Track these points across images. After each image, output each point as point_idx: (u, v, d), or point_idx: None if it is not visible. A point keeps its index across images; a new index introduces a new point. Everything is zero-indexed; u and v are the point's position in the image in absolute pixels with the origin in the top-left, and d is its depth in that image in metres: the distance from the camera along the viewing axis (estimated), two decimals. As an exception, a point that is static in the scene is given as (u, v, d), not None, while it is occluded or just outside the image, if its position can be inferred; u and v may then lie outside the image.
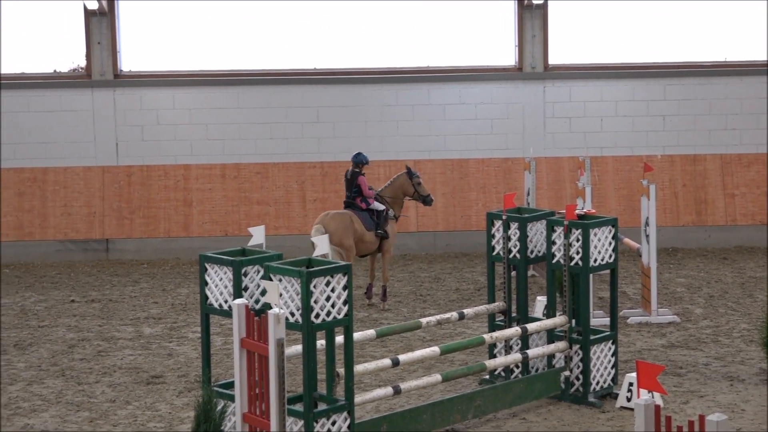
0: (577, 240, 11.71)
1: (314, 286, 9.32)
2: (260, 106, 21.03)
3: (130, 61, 21.10)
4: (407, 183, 16.99)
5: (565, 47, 21.34)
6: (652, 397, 8.28)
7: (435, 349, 11.16)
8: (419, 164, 20.83)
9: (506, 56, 21.39)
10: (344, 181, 16.91)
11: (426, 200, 17.02)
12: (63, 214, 20.73)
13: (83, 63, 21.10)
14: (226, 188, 20.91)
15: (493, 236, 12.37)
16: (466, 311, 11.92)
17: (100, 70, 20.87)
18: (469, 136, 21.18)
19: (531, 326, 11.92)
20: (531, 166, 18.73)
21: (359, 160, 16.76)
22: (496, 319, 12.44)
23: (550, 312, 12.11)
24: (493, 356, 12.40)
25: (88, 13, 20.73)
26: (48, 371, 13.50)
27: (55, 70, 21.22)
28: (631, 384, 11.60)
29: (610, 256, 11.94)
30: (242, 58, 21.18)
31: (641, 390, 8.07)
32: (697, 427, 7.19)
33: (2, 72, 20.93)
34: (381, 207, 16.77)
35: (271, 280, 9.47)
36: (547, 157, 21.01)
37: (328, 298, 9.44)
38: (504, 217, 12.20)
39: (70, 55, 21.21)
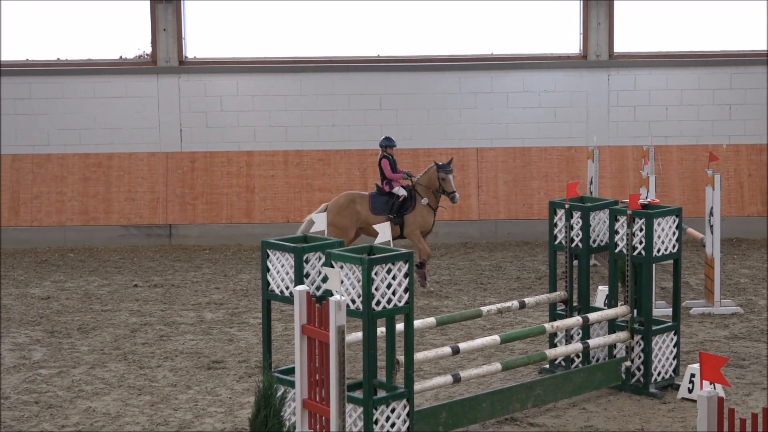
0: (641, 230, 11.62)
1: (375, 274, 9.32)
2: (323, 93, 21.06)
3: (194, 48, 21.22)
4: (434, 176, 16.77)
5: (630, 35, 21.16)
6: (714, 389, 8.19)
7: (495, 338, 11.14)
8: (481, 152, 20.78)
9: (570, 44, 21.25)
10: None
11: (450, 196, 16.67)
12: (127, 200, 20.91)
13: (149, 49, 21.24)
14: (289, 175, 20.98)
15: (556, 225, 12.32)
16: (527, 300, 11.88)
17: (166, 57, 21.00)
18: (531, 124, 21.08)
19: (592, 316, 11.87)
20: (594, 155, 18.60)
21: (381, 144, 16.82)
22: (557, 309, 12.40)
23: (611, 302, 12.04)
24: (553, 345, 12.36)
25: (154, 0, 20.87)
26: (110, 355, 13.63)
27: (120, 57, 21.37)
28: (693, 375, 11.50)
29: (674, 246, 11.85)
30: (305, 45, 21.22)
31: (704, 381, 7.99)
32: (761, 420, 7.11)
33: (64, 59, 21.17)
34: (402, 192, 16.65)
35: (332, 267, 9.49)
36: (611, 146, 20.86)
37: (389, 286, 9.44)
38: (567, 206, 12.14)
39: (136, 42, 21.38)
